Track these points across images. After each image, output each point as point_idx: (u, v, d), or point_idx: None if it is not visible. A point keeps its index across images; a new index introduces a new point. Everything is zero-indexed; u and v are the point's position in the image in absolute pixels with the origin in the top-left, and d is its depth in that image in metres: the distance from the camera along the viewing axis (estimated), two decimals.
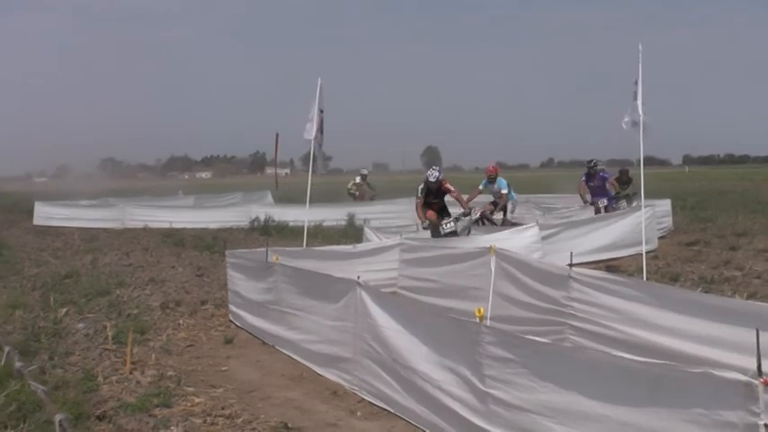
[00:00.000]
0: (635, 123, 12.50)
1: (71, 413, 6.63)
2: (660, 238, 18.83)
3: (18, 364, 7.42)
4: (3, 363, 7.76)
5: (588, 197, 20.29)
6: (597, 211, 19.87)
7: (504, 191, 19.34)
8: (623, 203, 21.03)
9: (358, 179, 31.82)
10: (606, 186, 20.49)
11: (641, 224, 14.02)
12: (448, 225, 14.73)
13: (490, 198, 20.50)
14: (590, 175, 20.43)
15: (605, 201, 20.07)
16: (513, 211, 20.19)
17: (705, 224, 23.28)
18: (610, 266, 14.98)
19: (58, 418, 5.64)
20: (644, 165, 12.53)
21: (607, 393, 4.71)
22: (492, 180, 19.58)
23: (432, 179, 14.93)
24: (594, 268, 11.18)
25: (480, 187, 19.72)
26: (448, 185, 15.18)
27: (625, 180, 23.08)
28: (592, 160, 20.67)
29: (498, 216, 19.82)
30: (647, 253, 12.82)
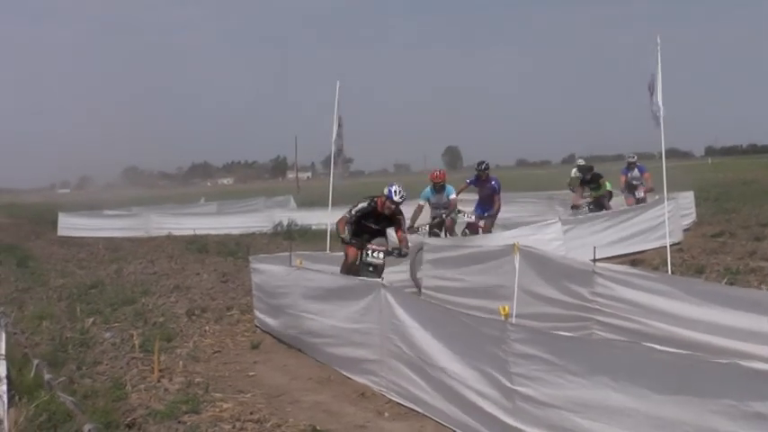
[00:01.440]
0: (655, 117, 12.48)
1: (101, 422, 6.67)
2: (684, 230, 18.69)
3: (47, 376, 7.47)
4: (32, 375, 7.82)
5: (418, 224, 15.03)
6: (474, 230, 15.84)
7: (452, 196, 15.05)
8: (585, 210, 19.09)
9: None
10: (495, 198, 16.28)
11: (664, 217, 13.94)
12: (375, 254, 11.14)
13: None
14: (479, 180, 16.50)
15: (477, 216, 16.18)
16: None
17: (729, 215, 23.09)
18: (634, 260, 14.90)
19: (87, 428, 5.68)
20: (666, 157, 12.48)
21: (635, 386, 4.69)
22: (439, 188, 15.10)
23: (397, 198, 11.13)
24: (619, 262, 11.16)
25: (421, 202, 15.20)
26: (400, 217, 11.59)
27: (591, 180, 19.98)
28: (482, 162, 16.62)
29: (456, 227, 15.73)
30: (671, 246, 12.76)
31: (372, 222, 11.38)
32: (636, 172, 21.31)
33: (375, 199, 11.28)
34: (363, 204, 11.28)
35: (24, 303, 13.66)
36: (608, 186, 20.23)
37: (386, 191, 11.11)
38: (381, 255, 11.13)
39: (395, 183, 11.40)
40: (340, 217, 11.48)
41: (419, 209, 15.36)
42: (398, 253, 11.41)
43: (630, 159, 21.49)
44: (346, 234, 11.20)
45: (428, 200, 15.47)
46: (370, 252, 11.09)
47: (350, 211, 11.30)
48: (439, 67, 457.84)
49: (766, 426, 3.95)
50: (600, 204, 19.47)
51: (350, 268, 11.05)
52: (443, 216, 15.19)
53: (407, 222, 12.78)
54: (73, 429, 6.38)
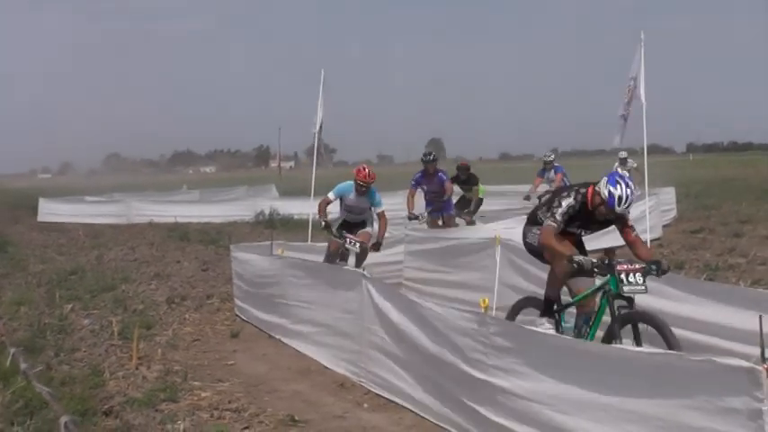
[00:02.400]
0: (622, 117, 12.59)
1: (78, 409, 6.66)
2: (664, 226, 18.79)
3: (23, 365, 7.43)
4: (9, 362, 7.78)
5: (417, 212, 14.65)
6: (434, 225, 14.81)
7: (381, 209, 11.55)
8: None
9: None
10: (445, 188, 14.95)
11: (645, 212, 14.01)
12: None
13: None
14: (426, 174, 14.88)
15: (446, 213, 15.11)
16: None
17: (709, 211, 23.25)
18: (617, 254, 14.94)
19: (63, 420, 5.64)
20: (647, 153, 12.55)
21: (610, 382, 4.71)
22: (363, 191, 11.42)
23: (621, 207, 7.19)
24: (601, 257, 11.15)
25: (331, 196, 11.68)
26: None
27: (465, 179, 16.83)
28: (430, 153, 15.21)
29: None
30: (651, 241, 12.81)
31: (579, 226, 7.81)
32: (552, 173, 18.39)
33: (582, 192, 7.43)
34: (570, 201, 7.39)
35: (3, 289, 13.57)
36: (481, 193, 17.12)
37: (605, 191, 7.06)
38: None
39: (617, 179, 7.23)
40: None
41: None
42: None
43: (547, 158, 18.93)
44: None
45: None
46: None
47: (553, 214, 7.38)
48: (423, 59, 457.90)
49: (740, 420, 3.98)
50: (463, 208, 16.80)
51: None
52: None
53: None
54: (50, 416, 6.36)
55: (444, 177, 14.99)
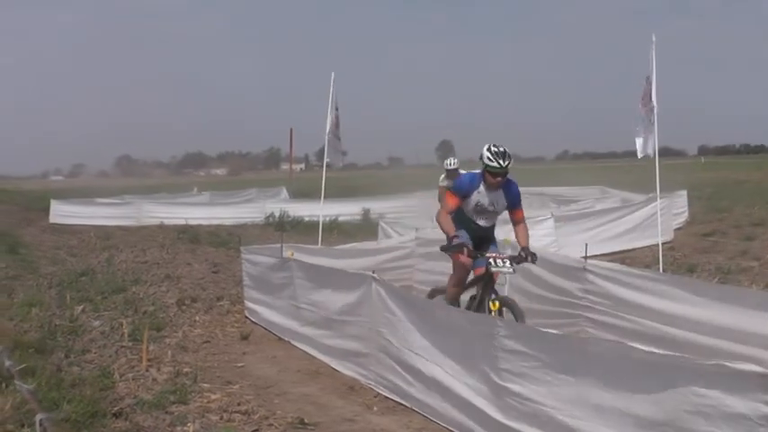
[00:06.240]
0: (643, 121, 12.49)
1: (87, 411, 6.66)
2: (676, 229, 18.72)
3: (8, 363, 7.39)
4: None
5: None
6: None
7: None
8: None
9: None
10: None
11: (656, 215, 13.97)
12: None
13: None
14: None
15: None
16: None
17: (721, 214, 23.10)
18: (625, 258, 14.91)
19: (39, 417, 5.60)
20: (658, 155, 12.51)
21: (620, 386, 4.69)
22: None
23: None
24: (610, 260, 11.15)
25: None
26: None
27: None
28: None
29: None
30: (663, 244, 12.77)
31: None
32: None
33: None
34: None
35: (14, 290, 13.57)
36: None
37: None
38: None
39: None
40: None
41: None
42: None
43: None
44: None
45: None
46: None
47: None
48: (434, 61, 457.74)
49: (749, 426, 3.95)
50: None
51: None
52: None
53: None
54: (60, 417, 6.35)
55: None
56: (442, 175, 16.00)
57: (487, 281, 8.13)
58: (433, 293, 9.23)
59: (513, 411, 5.59)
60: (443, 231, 8.28)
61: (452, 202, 8.34)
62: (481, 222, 8.49)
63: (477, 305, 8.16)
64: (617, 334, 8.07)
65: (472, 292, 8.47)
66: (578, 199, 23.52)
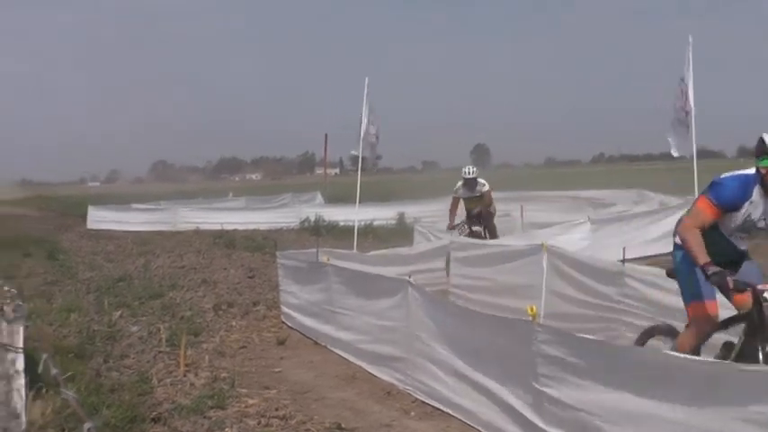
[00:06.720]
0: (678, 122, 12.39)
1: (126, 416, 6.70)
2: None
3: (54, 371, 7.45)
4: (41, 369, 7.81)
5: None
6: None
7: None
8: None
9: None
10: None
11: None
12: None
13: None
14: None
15: None
16: None
17: None
18: (664, 261, 14.73)
19: (87, 426, 5.63)
20: (696, 157, 12.39)
21: (661, 393, 4.61)
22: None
23: None
24: (649, 263, 11.01)
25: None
26: None
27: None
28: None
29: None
30: None
31: None
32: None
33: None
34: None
35: (53, 296, 13.73)
36: None
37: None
38: None
39: None
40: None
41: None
42: None
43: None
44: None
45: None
46: None
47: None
48: (467, 64, 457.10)
49: None
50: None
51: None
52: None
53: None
54: (100, 423, 6.38)
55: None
56: (459, 183, 15.16)
57: (759, 323, 5.76)
58: (644, 338, 7.05)
59: (551, 417, 5.53)
60: (691, 253, 6.01)
61: (711, 214, 6.13)
62: (739, 244, 6.45)
63: (737, 356, 5.87)
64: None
65: (724, 336, 6.34)
66: (615, 203, 23.36)
